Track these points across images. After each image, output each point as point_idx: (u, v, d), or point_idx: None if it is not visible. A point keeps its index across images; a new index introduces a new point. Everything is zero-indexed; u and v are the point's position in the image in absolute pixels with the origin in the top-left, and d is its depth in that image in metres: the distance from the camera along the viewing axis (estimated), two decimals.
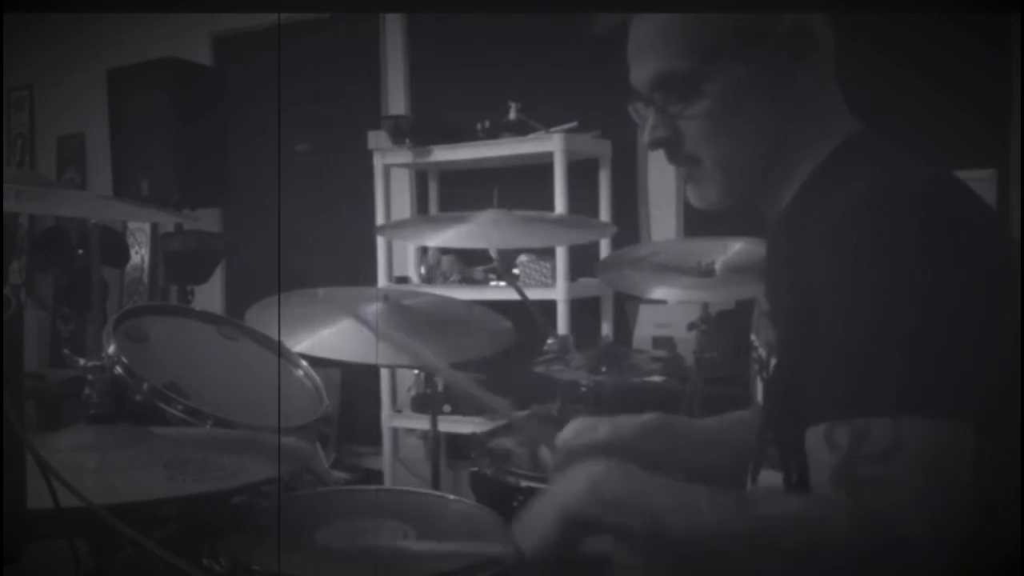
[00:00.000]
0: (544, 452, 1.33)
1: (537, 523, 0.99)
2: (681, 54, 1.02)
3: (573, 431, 1.30)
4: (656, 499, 0.94)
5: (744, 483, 1.13)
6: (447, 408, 3.27)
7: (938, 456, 0.83)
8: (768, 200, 1.10)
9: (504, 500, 1.64)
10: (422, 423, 3.48)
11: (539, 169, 3.31)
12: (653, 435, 1.28)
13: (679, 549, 0.92)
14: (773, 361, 1.04)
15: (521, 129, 3.35)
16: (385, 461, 3.66)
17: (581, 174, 3.38)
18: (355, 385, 3.91)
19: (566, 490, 0.99)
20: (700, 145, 1.05)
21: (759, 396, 1.10)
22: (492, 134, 3.38)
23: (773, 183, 1.08)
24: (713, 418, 1.36)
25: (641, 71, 1.07)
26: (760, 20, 1.02)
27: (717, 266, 2.13)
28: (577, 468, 1.01)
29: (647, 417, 1.29)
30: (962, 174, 1.01)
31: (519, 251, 3.30)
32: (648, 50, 1.05)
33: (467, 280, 3.50)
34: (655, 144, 1.08)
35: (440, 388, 3.12)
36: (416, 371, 3.40)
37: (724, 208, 1.09)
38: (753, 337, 1.13)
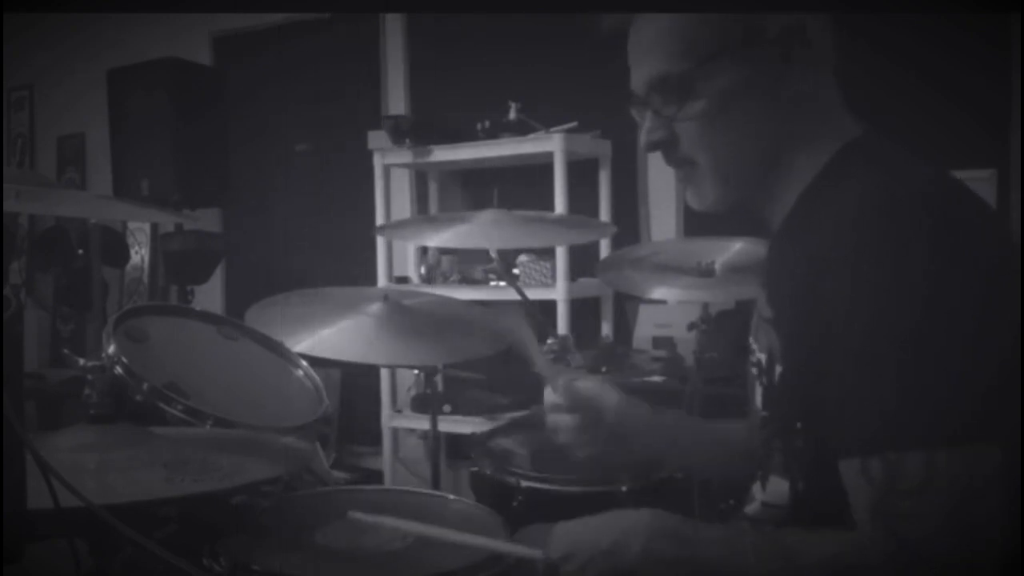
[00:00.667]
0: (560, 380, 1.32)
1: (581, 568, 1.01)
2: (675, 56, 1.03)
3: (587, 386, 1.30)
4: (705, 553, 0.96)
5: (747, 488, 1.13)
6: (447, 408, 3.27)
7: (968, 482, 0.84)
8: (767, 202, 1.10)
9: (504, 500, 1.64)
10: (422, 423, 3.48)
11: (539, 169, 3.31)
12: (658, 431, 1.29)
13: None
14: (777, 368, 1.03)
15: (521, 129, 3.34)
16: (385, 461, 3.66)
17: (581, 174, 3.38)
18: (355, 385, 3.92)
19: (622, 551, 1.00)
20: (696, 147, 1.06)
21: (758, 401, 1.10)
22: (492, 134, 3.38)
23: (770, 185, 1.07)
24: (719, 422, 1.36)
25: (638, 74, 1.08)
26: (752, 21, 1.02)
27: (717, 266, 2.13)
28: (628, 521, 1.03)
29: (656, 415, 1.30)
30: (962, 174, 1.01)
31: (519, 251, 3.30)
32: (644, 53, 1.06)
33: (467, 280, 3.50)
34: (652, 146, 1.08)
35: (440, 388, 3.12)
36: (416, 371, 3.40)
37: (722, 210, 1.09)
38: (752, 342, 1.13)
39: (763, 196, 1.09)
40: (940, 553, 0.83)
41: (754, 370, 1.11)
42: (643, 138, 1.09)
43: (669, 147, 1.07)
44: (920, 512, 0.84)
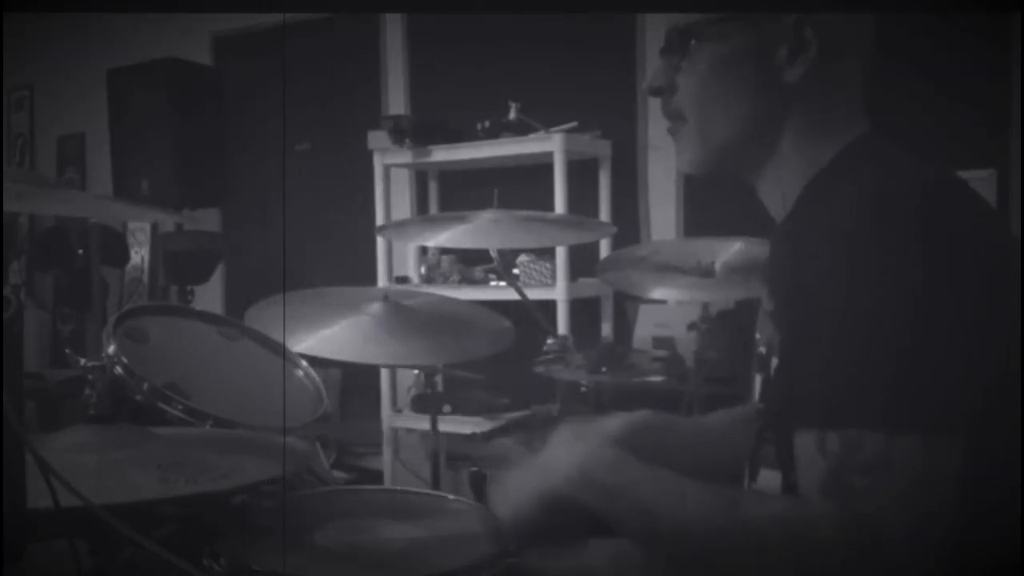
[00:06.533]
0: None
1: (519, 494, 1.02)
2: (692, 9, 1.06)
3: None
4: (644, 491, 0.95)
5: (740, 480, 1.13)
6: (447, 408, 3.27)
7: (926, 469, 0.84)
8: (750, 172, 1.10)
9: None
10: (422, 423, 3.48)
11: (539, 169, 3.31)
12: (643, 432, 1.28)
13: (663, 542, 0.94)
14: (773, 360, 1.04)
15: (521, 129, 3.34)
16: (385, 461, 3.67)
17: (581, 174, 3.38)
18: (355, 385, 3.91)
19: (555, 467, 1.01)
20: (688, 102, 1.08)
21: (756, 395, 1.10)
22: (492, 134, 3.38)
23: (770, 169, 1.08)
24: (707, 416, 1.36)
25: (668, 20, 1.11)
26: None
27: (717, 266, 2.13)
28: (569, 446, 1.02)
29: (637, 414, 1.29)
30: (962, 174, 1.01)
31: (519, 251, 3.30)
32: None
33: (467, 280, 3.50)
34: (651, 91, 1.12)
35: (440, 388, 3.12)
36: (416, 371, 3.40)
37: (700, 173, 1.11)
38: (757, 335, 1.13)
39: (745, 165, 1.10)
40: (890, 532, 0.83)
41: (756, 364, 1.11)
42: (646, 81, 1.12)
43: (665, 95, 1.10)
44: (874, 490, 0.84)
